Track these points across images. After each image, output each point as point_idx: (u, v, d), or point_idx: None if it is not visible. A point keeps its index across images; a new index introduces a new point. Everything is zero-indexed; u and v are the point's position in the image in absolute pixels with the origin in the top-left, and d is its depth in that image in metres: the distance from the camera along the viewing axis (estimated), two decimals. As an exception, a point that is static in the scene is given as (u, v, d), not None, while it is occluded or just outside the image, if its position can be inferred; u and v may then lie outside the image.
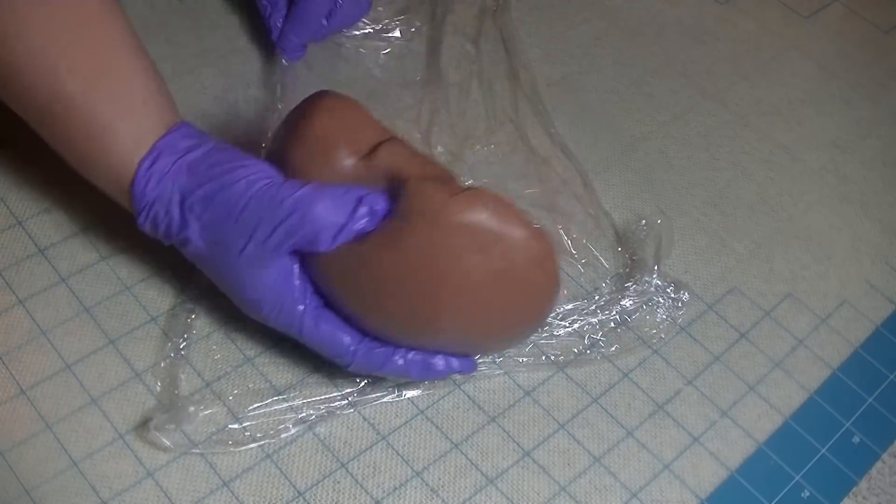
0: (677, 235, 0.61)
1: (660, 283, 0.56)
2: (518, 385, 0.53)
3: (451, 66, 0.68)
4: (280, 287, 0.48)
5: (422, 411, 0.52)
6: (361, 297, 0.48)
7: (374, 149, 0.48)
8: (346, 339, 0.49)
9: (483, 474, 0.50)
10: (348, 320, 0.49)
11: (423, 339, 0.49)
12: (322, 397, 0.51)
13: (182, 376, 0.51)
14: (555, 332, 0.55)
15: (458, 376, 0.52)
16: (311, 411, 0.51)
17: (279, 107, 0.63)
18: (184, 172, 0.48)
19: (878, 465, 0.52)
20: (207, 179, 0.48)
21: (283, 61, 0.65)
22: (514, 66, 0.69)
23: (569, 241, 0.59)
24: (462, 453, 0.50)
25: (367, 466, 0.49)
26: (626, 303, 0.56)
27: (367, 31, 0.69)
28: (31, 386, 0.50)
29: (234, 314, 0.52)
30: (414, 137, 0.62)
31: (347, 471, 0.49)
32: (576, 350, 0.54)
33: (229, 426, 0.50)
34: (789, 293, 0.59)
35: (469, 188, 0.46)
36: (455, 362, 0.50)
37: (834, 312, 0.58)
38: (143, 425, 0.49)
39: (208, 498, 0.47)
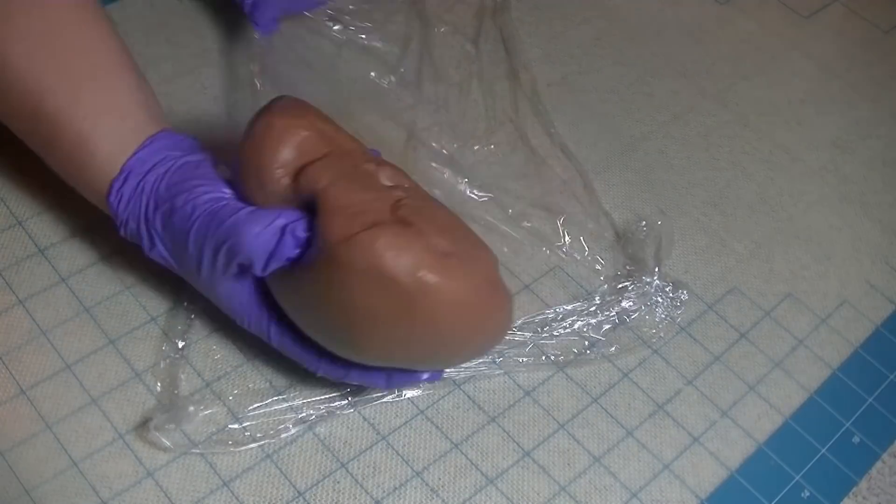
0: (677, 235, 0.61)
1: (659, 282, 0.56)
2: (518, 385, 0.53)
3: (451, 66, 0.68)
4: (243, 302, 0.49)
5: (422, 411, 0.52)
6: (301, 320, 0.48)
7: (300, 170, 0.46)
8: (309, 353, 0.49)
9: (483, 474, 0.50)
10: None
11: (363, 361, 0.48)
12: (322, 397, 0.51)
13: (182, 376, 0.51)
14: (555, 332, 0.55)
15: (457, 376, 0.52)
16: (311, 411, 0.51)
17: (257, 84, 0.62)
18: (146, 192, 0.49)
19: (878, 465, 0.52)
20: (165, 200, 0.48)
21: (256, 35, 0.64)
22: (514, 66, 0.69)
23: (568, 241, 0.59)
24: (462, 453, 0.50)
25: (367, 466, 0.49)
26: (626, 303, 0.56)
27: (366, 24, 0.69)
28: (31, 386, 0.50)
29: (234, 314, 0.52)
30: (400, 139, 0.62)
31: (347, 471, 0.49)
32: (576, 350, 0.54)
33: (229, 426, 0.50)
34: (789, 293, 0.59)
35: (381, 225, 0.44)
36: (423, 375, 0.50)
37: (834, 312, 0.58)
38: (143, 425, 0.49)
39: (208, 498, 0.47)
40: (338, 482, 0.49)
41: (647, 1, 0.76)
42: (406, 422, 0.51)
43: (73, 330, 0.52)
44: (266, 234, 0.46)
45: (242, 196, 0.48)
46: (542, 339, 0.54)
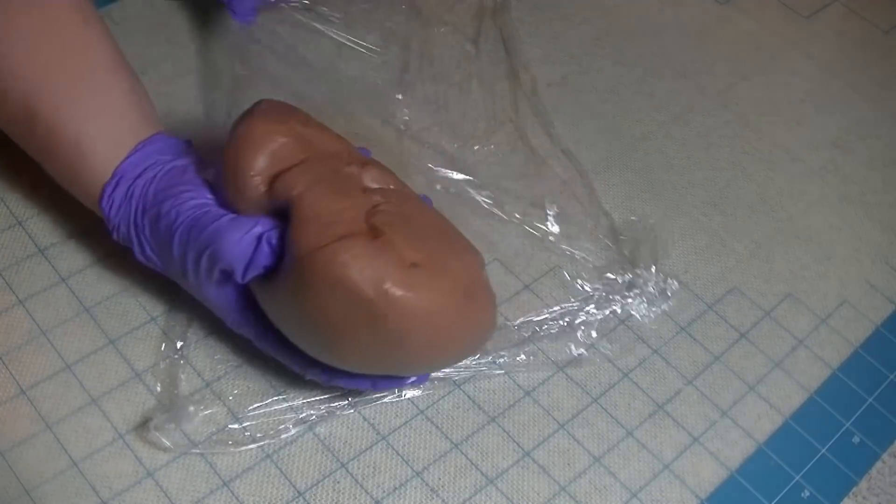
0: (677, 235, 0.61)
1: (659, 282, 0.56)
2: (518, 385, 0.53)
3: (451, 66, 0.68)
4: (228, 307, 0.49)
5: (422, 411, 0.52)
6: (282, 327, 0.48)
7: (275, 177, 0.46)
8: (295, 358, 0.49)
9: (483, 474, 0.50)
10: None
11: (344, 368, 0.48)
12: (322, 397, 0.51)
13: (182, 376, 0.51)
14: (554, 332, 0.55)
15: (457, 376, 0.52)
16: (311, 411, 0.51)
17: (240, 72, 0.62)
18: (135, 197, 0.49)
19: (878, 465, 0.52)
20: (153, 205, 0.49)
21: (234, 23, 0.64)
22: (514, 66, 0.68)
23: (568, 241, 0.59)
24: (462, 453, 0.50)
25: (367, 466, 0.49)
26: (626, 302, 0.56)
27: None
28: (31, 386, 0.50)
29: (234, 314, 0.52)
30: (400, 139, 0.62)
31: (347, 471, 0.49)
32: (576, 350, 0.54)
33: (229, 426, 0.50)
34: (789, 293, 0.59)
35: (349, 237, 0.43)
36: (409, 379, 0.50)
37: (834, 312, 0.58)
38: (143, 425, 0.49)
39: (208, 498, 0.47)
40: (338, 482, 0.49)
41: (647, 1, 0.76)
42: (406, 422, 0.51)
43: (73, 330, 0.52)
44: (244, 241, 0.46)
45: (225, 202, 0.48)
46: (542, 339, 0.54)
